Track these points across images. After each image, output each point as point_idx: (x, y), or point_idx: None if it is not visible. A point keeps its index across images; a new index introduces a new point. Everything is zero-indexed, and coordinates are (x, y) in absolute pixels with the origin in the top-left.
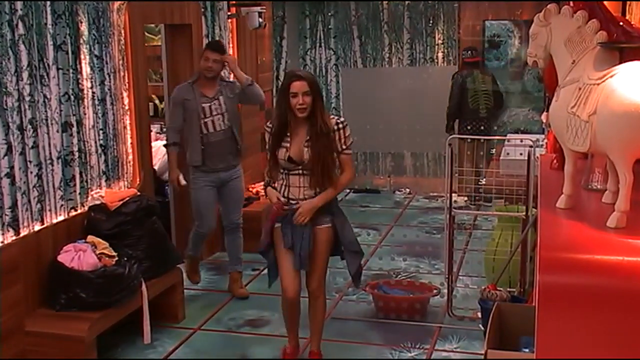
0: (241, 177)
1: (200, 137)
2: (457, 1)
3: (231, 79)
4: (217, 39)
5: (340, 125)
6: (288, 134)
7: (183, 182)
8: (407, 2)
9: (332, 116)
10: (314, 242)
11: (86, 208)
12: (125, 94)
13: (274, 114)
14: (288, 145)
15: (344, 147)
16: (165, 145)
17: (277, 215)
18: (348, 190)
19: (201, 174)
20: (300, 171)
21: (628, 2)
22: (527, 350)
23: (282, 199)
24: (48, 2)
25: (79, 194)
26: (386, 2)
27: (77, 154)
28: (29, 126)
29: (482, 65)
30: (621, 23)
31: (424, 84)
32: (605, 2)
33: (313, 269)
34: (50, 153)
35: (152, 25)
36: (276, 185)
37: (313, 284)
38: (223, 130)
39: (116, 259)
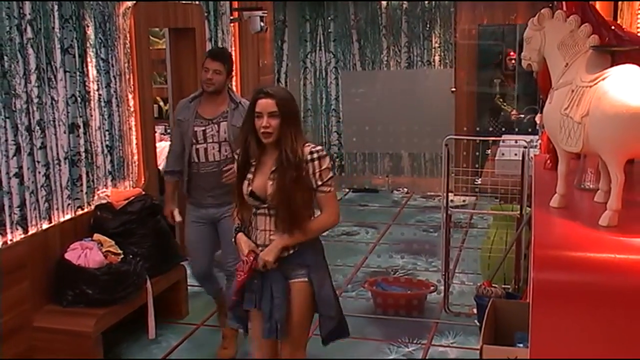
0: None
1: (189, 166)
2: (453, 0)
3: (243, 101)
4: (220, 45)
5: (315, 156)
6: (253, 163)
7: (178, 218)
8: (404, 6)
9: (308, 144)
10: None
11: (92, 207)
12: (130, 96)
13: (237, 138)
14: (251, 177)
15: (319, 182)
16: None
17: (251, 271)
18: (347, 190)
19: (191, 207)
20: (266, 210)
21: (619, 7)
22: (521, 345)
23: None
24: (56, 7)
25: (86, 193)
26: (385, 2)
27: (83, 155)
28: (37, 127)
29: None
30: (613, 27)
31: (421, 86)
32: (597, 6)
33: (287, 339)
34: (57, 153)
35: (157, 29)
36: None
37: None
38: (217, 162)
39: (121, 256)
